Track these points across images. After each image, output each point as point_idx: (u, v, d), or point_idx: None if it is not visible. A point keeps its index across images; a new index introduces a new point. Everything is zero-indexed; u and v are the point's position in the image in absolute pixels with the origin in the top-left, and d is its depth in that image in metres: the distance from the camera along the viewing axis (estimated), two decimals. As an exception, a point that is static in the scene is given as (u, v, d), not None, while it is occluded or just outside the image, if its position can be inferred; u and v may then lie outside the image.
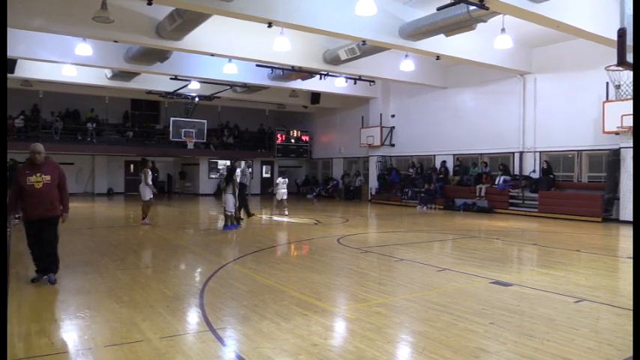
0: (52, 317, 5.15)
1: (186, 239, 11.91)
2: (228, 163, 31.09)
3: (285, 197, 17.24)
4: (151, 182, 14.02)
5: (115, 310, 5.46)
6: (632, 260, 8.58)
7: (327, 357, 4.12)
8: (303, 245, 10.92)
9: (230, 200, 12.90)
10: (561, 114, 17.91)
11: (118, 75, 20.82)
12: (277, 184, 17.77)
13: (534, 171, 18.82)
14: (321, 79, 21.01)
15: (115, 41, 14.78)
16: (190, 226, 15.06)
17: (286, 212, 16.93)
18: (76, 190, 28.42)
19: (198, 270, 8.24)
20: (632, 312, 4.43)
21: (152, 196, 14.17)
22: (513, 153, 19.71)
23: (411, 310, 5.59)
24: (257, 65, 18.75)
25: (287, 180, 18.08)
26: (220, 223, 13.94)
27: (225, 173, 12.99)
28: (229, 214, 12.98)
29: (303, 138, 31.35)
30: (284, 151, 30.55)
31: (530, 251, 10.54)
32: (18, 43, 15.72)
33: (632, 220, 14.52)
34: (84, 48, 15.22)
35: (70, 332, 4.79)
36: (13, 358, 4.03)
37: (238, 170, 13.87)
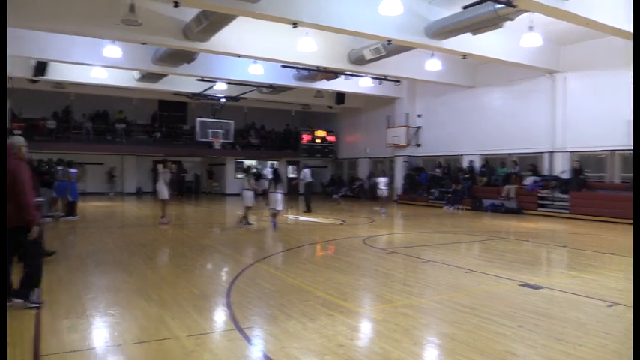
0: (84, 314, 5.26)
1: (213, 238, 12.03)
2: (252, 163, 31.37)
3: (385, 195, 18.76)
4: (167, 182, 14.23)
5: (144, 307, 5.55)
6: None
7: (353, 357, 4.11)
8: (329, 245, 10.92)
9: (279, 199, 13.36)
10: (592, 113, 17.48)
11: (146, 76, 21.17)
12: (378, 183, 19.37)
13: (564, 171, 18.45)
14: (346, 79, 20.99)
15: (143, 43, 15.02)
16: (217, 225, 15.21)
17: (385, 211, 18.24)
18: (106, 190, 29.00)
19: (225, 269, 8.31)
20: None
21: (169, 196, 14.33)
22: (543, 153, 19.35)
23: (437, 311, 5.54)
24: (282, 66, 18.82)
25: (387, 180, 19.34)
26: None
27: (272, 175, 13.87)
28: (276, 212, 13.43)
29: (329, 138, 31.32)
30: (309, 152, 30.56)
31: (560, 253, 10.33)
32: (50, 46, 16.15)
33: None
34: (113, 50, 15.49)
35: (101, 329, 4.89)
36: (46, 353, 4.14)
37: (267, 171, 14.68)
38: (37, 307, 5.41)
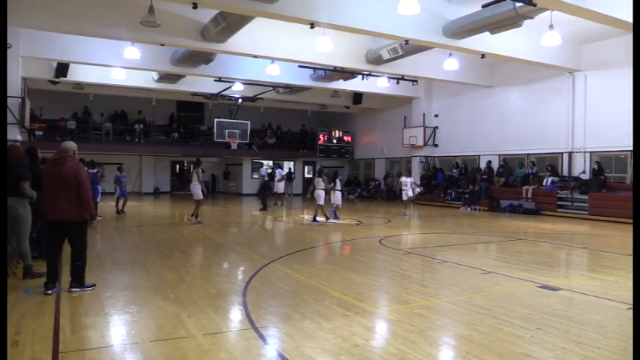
0: (102, 312, 5.33)
1: (229, 238, 12.09)
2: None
3: (410, 196, 17.84)
4: (200, 182, 14.19)
5: (161, 306, 5.60)
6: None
7: (369, 358, 4.11)
8: (345, 246, 10.91)
9: (338, 196, 15.62)
10: (613, 112, 17.12)
11: (165, 77, 21.40)
12: (401, 183, 18.50)
13: (584, 172, 18.18)
14: (363, 79, 20.94)
15: (162, 44, 15.18)
16: (234, 225, 15.29)
17: (408, 213, 17.75)
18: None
19: (241, 269, 8.35)
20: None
21: (202, 195, 14.35)
22: (562, 153, 19.10)
23: (454, 313, 5.50)
24: (299, 66, 18.86)
25: (413, 179, 18.82)
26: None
27: (333, 175, 15.95)
28: (339, 207, 15.87)
29: (345, 138, 31.31)
30: (326, 152, 30.58)
31: (579, 255, 10.19)
32: (71, 48, 16.41)
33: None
34: (132, 51, 15.69)
35: (119, 327, 4.95)
36: (65, 350, 4.20)
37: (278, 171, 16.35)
38: (93, 289, 6.19)
